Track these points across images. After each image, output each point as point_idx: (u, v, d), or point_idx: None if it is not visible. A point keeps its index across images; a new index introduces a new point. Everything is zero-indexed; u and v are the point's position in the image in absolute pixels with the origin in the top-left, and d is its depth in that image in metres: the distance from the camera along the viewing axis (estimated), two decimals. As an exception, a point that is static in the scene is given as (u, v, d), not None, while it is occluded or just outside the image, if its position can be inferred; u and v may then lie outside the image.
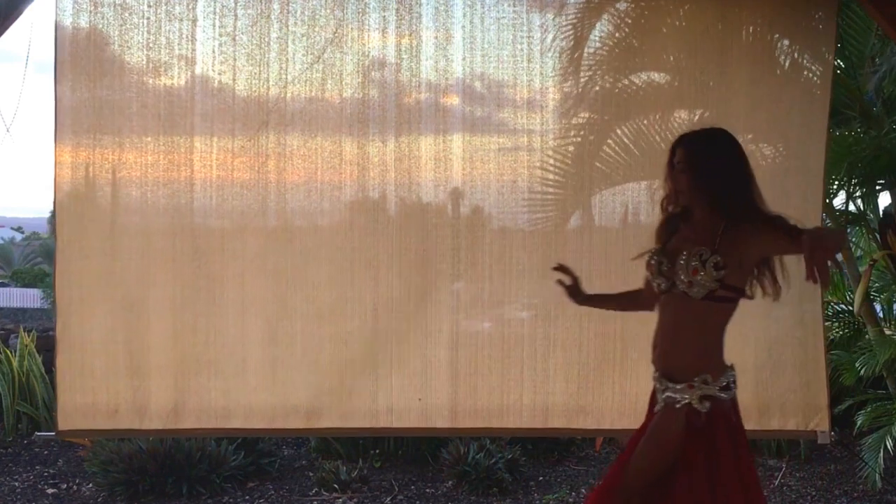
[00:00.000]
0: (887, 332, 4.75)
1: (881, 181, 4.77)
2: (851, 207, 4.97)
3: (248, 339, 3.72)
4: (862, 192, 4.88)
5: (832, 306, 5.13)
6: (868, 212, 5.03)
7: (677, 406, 2.63)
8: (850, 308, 5.03)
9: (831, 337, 4.90)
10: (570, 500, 4.74)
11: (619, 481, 2.74)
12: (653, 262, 2.73)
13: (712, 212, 2.64)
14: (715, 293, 2.58)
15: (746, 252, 2.59)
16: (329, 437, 5.16)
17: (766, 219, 2.60)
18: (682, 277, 2.59)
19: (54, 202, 3.62)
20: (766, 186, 3.76)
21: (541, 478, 5.13)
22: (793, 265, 3.82)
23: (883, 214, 4.96)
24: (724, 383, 2.65)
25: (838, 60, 4.25)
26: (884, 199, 5.07)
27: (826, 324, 4.08)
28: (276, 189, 3.69)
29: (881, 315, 5.13)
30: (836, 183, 4.70)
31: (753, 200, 2.65)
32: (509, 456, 5.03)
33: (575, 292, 3.12)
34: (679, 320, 2.67)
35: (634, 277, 3.75)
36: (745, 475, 2.69)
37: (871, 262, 4.75)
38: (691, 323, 2.65)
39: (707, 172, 2.63)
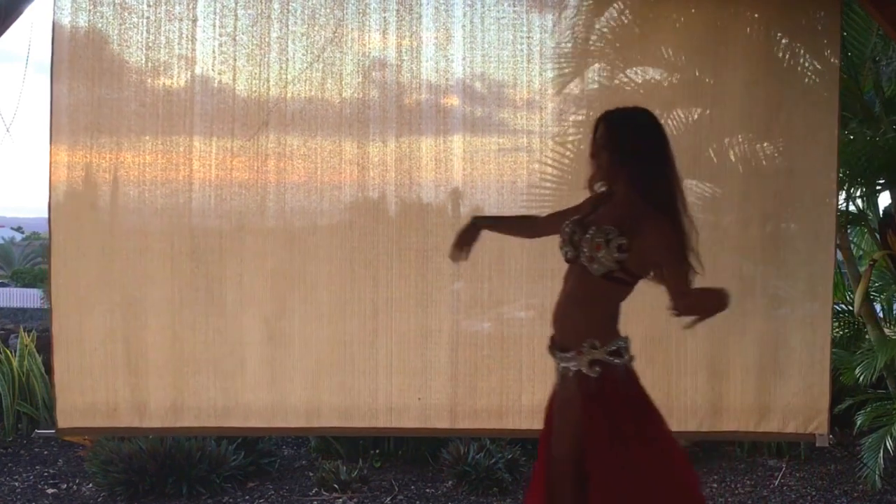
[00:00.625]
0: (887, 332, 4.74)
1: (881, 181, 4.76)
2: (851, 207, 4.96)
3: (247, 338, 3.73)
4: (862, 192, 4.87)
5: (832, 306, 5.11)
6: (868, 212, 5.02)
7: (570, 375, 2.65)
8: (850, 308, 5.02)
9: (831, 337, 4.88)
10: (570, 499, 4.73)
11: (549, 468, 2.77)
12: (567, 229, 2.73)
13: (631, 192, 2.64)
14: (613, 273, 2.60)
15: (649, 251, 2.60)
16: (328, 436, 5.15)
17: (679, 235, 2.60)
18: (586, 250, 2.61)
19: (49, 202, 3.62)
20: (769, 186, 3.81)
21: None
22: (796, 264, 3.85)
23: (883, 214, 4.95)
24: (614, 348, 2.64)
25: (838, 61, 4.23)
26: (884, 199, 5.07)
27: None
28: (276, 189, 3.71)
29: (881, 315, 5.12)
30: (836, 183, 4.68)
31: (673, 188, 2.64)
32: (509, 456, 5.03)
33: (472, 237, 2.97)
34: (575, 293, 2.69)
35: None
36: (653, 445, 2.68)
37: (872, 262, 4.74)
38: (586, 296, 2.67)
39: (626, 151, 2.64)
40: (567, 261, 2.74)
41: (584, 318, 2.67)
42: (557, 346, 2.72)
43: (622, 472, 2.61)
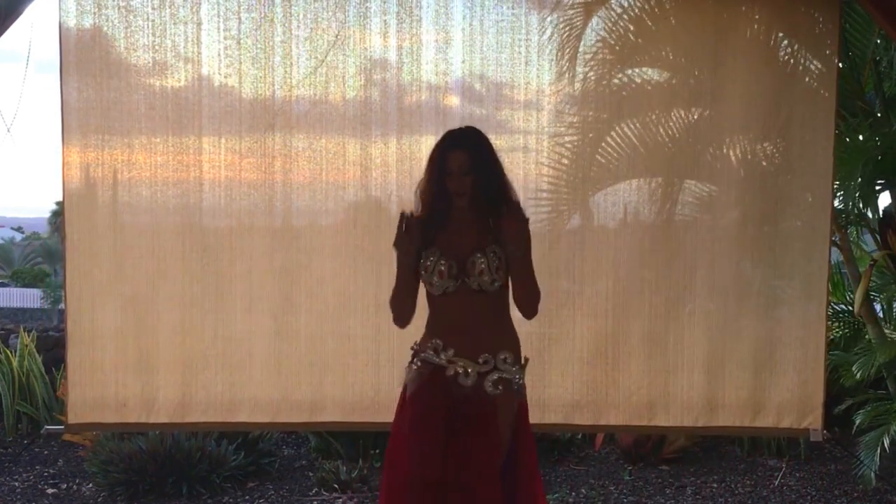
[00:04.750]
0: (887, 332, 4.76)
1: (881, 181, 4.78)
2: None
3: (254, 334, 3.81)
4: (862, 193, 4.89)
5: (832, 306, 5.14)
6: (868, 212, 5.04)
7: (514, 387, 2.76)
8: (850, 308, 5.04)
9: (831, 337, 4.91)
10: (570, 500, 4.76)
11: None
12: (442, 267, 2.73)
13: (477, 209, 2.74)
14: (503, 283, 2.75)
15: (508, 244, 2.71)
16: (331, 431, 5.19)
17: (518, 215, 2.71)
18: (487, 276, 2.69)
19: (63, 202, 3.72)
20: (769, 185, 3.85)
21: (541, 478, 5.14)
22: (793, 263, 3.88)
23: (883, 214, 4.97)
24: None
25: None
26: (884, 199, 5.09)
27: (826, 324, 4.11)
28: (283, 189, 3.79)
29: (881, 315, 5.14)
30: (836, 182, 4.70)
31: (505, 182, 2.80)
32: (510, 453, 5.06)
33: None
34: (489, 310, 2.76)
35: (627, 274, 3.81)
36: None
37: (872, 262, 4.76)
38: (498, 310, 2.77)
39: (491, 173, 2.74)
40: (444, 294, 2.74)
41: (513, 331, 2.82)
42: (506, 358, 2.75)
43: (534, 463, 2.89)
